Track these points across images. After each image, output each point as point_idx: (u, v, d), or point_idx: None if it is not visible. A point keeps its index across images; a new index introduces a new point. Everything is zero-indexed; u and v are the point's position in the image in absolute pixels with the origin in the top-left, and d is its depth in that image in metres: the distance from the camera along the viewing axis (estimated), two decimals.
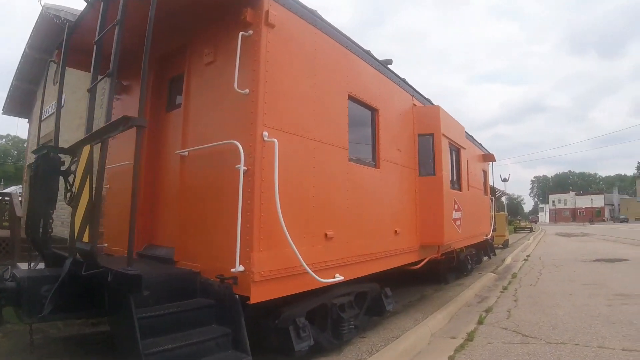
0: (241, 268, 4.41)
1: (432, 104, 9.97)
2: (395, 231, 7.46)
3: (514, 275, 13.93)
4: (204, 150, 5.33)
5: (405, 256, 7.94)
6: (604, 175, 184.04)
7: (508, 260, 18.44)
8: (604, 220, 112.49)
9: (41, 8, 13.30)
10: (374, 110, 7.24)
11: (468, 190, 12.04)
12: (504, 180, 49.45)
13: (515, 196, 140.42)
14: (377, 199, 7.01)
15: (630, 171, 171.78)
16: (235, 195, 4.48)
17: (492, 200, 17.41)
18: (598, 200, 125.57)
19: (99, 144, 4.32)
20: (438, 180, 8.76)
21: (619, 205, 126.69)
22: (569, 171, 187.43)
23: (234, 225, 4.43)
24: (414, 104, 8.93)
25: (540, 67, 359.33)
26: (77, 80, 11.01)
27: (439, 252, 9.35)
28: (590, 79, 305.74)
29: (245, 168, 4.56)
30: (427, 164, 8.80)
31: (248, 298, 4.49)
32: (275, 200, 4.57)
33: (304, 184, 5.31)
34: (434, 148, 8.85)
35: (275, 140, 4.66)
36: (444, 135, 9.08)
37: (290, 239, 4.63)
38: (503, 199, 51.20)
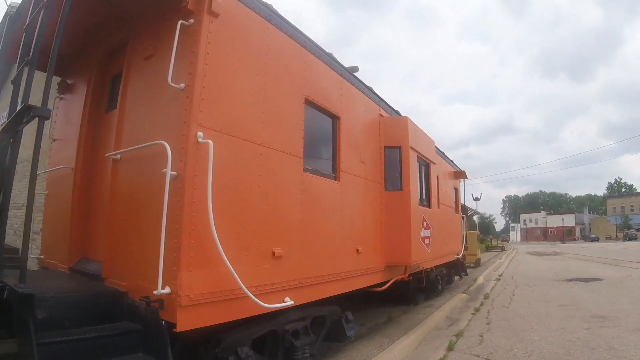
0: (166, 290, 3.76)
1: (400, 115, 9.42)
2: (357, 250, 6.82)
3: (486, 296, 13.41)
4: (136, 153, 4.68)
5: (368, 277, 7.30)
6: (574, 195, 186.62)
7: (480, 280, 17.95)
8: (575, 240, 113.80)
9: (6, 7, 12.64)
10: (335, 118, 6.65)
11: (438, 207, 11.52)
12: (476, 199, 49.71)
13: (487, 215, 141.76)
14: (336, 214, 6.39)
15: (600, 191, 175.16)
16: (168, 205, 3.84)
17: (463, 219, 16.94)
18: (569, 220, 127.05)
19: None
20: (405, 195, 8.18)
21: (589, 224, 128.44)
22: (540, 191, 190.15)
23: (160, 240, 3.78)
24: (381, 114, 8.38)
25: (511, 88, 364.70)
26: (35, 80, 10.29)
27: (406, 273, 8.73)
28: (560, 101, 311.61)
29: (175, 173, 3.92)
30: (393, 178, 8.23)
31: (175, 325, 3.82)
32: (208, 211, 3.91)
33: (246, 195, 4.64)
34: (401, 161, 8.29)
35: (210, 142, 4.00)
36: (412, 148, 8.55)
37: (225, 257, 3.96)
38: (475, 217, 51.49)
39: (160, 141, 4.02)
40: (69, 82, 6.86)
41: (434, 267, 12.01)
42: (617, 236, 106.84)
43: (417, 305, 11.51)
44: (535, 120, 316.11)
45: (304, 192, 5.59)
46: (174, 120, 4.22)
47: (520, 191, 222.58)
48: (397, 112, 9.46)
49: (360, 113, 7.55)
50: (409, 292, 11.30)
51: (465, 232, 17.03)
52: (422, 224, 8.94)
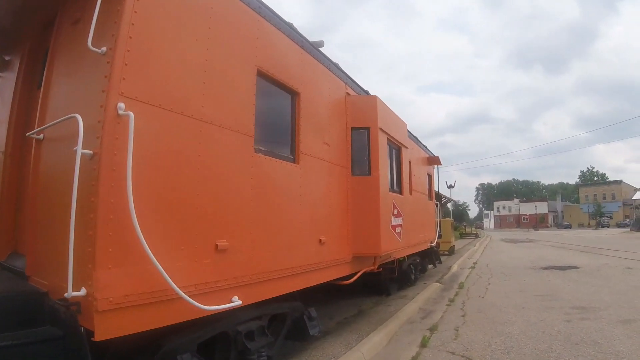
0: (82, 292, 3.15)
1: (369, 95, 8.78)
2: (320, 240, 6.20)
3: (461, 285, 12.96)
4: (57, 132, 4.03)
5: (332, 270, 6.68)
6: (547, 184, 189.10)
7: (454, 268, 17.55)
8: (547, 227, 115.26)
9: None
10: (294, 94, 5.98)
11: (411, 194, 10.99)
12: (450, 186, 50.10)
13: (461, 202, 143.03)
14: (295, 201, 5.74)
15: (572, 180, 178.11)
16: (82, 190, 3.21)
17: (437, 206, 16.41)
18: (542, 207, 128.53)
19: None
20: (374, 180, 7.57)
21: (562, 212, 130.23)
22: (513, 179, 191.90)
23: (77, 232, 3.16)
24: (348, 93, 7.73)
25: (487, 79, 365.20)
26: None
27: (375, 265, 8.15)
28: (535, 93, 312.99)
29: (90, 152, 3.26)
30: (361, 162, 7.61)
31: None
32: (127, 196, 3.25)
33: (182, 178, 3.94)
34: (369, 144, 7.66)
35: (131, 114, 3.32)
36: (382, 130, 7.94)
37: (149, 251, 3.31)
38: (449, 205, 51.58)
39: (73, 114, 3.34)
40: (6, 58, 6.10)
41: (407, 256, 11.52)
42: (589, 224, 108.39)
43: (390, 296, 11.04)
44: (509, 111, 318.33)
45: (255, 176, 4.91)
46: (93, 90, 3.55)
47: (494, 179, 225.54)
48: (366, 92, 8.84)
49: (324, 90, 6.90)
50: (381, 282, 10.81)
51: (439, 219, 16.53)
52: (393, 211, 8.36)
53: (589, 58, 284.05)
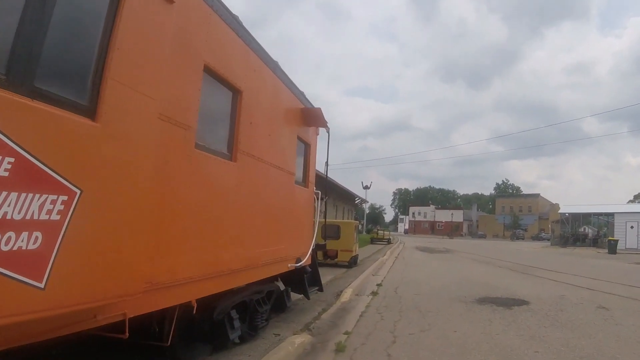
0: None
1: None
2: None
3: (341, 347, 6.75)
4: None
5: None
6: (462, 193, 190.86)
7: (346, 296, 11.25)
8: (461, 235, 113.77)
9: None
10: None
11: (233, 159, 4.96)
12: (366, 187, 47.07)
13: (378, 206, 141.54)
14: None
15: (486, 191, 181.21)
16: None
17: (318, 197, 9.74)
18: (458, 215, 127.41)
19: None
20: None
21: (477, 221, 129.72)
22: (430, 186, 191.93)
23: None
24: None
25: (412, 89, 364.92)
26: None
27: None
28: (456, 106, 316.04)
29: None
30: None
31: None
32: None
33: None
34: None
35: None
36: None
37: None
38: (365, 206, 47.31)
39: None
40: None
41: (222, 293, 5.37)
42: (504, 234, 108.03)
43: None
44: (430, 121, 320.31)
45: None
46: None
47: (411, 185, 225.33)
48: None
49: None
50: (171, 340, 4.89)
51: (317, 219, 9.74)
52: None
53: (509, 78, 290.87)
